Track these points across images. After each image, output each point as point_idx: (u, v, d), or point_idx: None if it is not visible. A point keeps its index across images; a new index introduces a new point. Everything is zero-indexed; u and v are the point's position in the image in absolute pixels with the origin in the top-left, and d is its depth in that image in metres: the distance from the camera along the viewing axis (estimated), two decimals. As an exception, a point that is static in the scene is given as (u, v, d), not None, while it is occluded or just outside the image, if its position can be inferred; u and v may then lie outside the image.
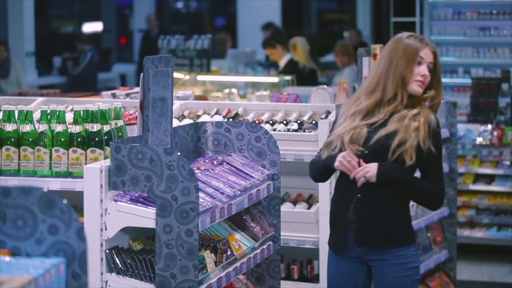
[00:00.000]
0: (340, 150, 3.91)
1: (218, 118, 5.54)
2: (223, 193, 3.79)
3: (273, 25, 14.14)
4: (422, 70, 3.91)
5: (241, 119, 5.49)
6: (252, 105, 5.93)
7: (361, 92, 3.99)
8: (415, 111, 3.90)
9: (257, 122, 5.42)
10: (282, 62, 10.53)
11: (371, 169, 3.84)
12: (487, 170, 8.19)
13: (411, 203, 5.57)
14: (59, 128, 4.11)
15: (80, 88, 11.32)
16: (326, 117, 5.42)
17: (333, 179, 5.21)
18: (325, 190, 5.16)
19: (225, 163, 4.17)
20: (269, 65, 12.67)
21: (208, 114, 5.64)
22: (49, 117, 4.15)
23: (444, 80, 10.30)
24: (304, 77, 10.19)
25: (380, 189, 3.88)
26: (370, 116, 3.93)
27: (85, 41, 13.46)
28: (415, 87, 3.92)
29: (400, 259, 3.93)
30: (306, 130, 5.30)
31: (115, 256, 3.66)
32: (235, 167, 4.16)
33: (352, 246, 3.95)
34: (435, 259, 6.00)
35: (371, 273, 4.01)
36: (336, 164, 3.90)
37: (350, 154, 3.88)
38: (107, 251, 3.66)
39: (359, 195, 3.90)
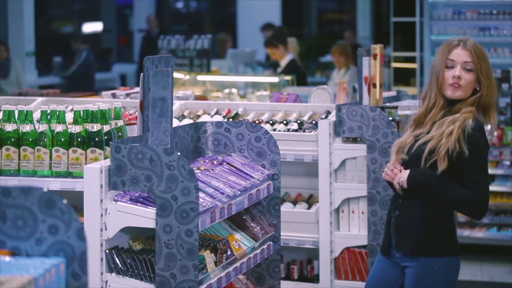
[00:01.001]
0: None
1: (218, 118, 5.54)
2: (223, 193, 3.79)
3: (272, 25, 14.14)
4: (453, 72, 3.85)
5: (241, 119, 5.49)
6: (252, 105, 5.93)
7: (420, 101, 4.04)
8: (457, 115, 3.83)
9: (257, 122, 5.42)
10: (284, 62, 10.53)
11: (403, 174, 3.84)
12: (487, 170, 8.18)
13: None
14: (59, 128, 4.11)
15: (75, 87, 11.32)
16: (326, 117, 5.42)
17: (340, 179, 5.21)
18: (325, 190, 5.16)
19: (225, 163, 4.17)
20: (269, 65, 12.67)
21: (208, 114, 5.64)
22: (49, 117, 4.15)
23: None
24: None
25: (418, 196, 3.84)
26: (419, 126, 3.94)
27: (81, 41, 13.45)
28: (448, 92, 3.87)
29: (423, 269, 3.84)
30: (306, 130, 5.30)
31: (115, 256, 3.66)
32: (235, 167, 4.16)
33: (393, 250, 3.94)
34: (435, 259, 5.99)
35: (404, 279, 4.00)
36: (383, 174, 3.98)
37: (395, 163, 3.91)
38: (107, 251, 3.66)
39: (400, 201, 3.90)
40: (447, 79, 3.86)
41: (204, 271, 3.67)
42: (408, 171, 3.84)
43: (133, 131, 4.27)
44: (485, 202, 3.79)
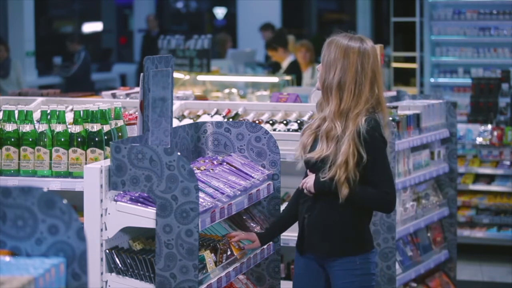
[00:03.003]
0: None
1: (218, 118, 5.53)
2: (223, 193, 3.79)
3: (271, 25, 14.14)
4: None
5: (241, 119, 5.49)
6: (252, 105, 5.93)
7: None
8: (338, 128, 3.81)
9: (257, 122, 5.41)
10: (285, 64, 10.53)
11: (310, 180, 3.88)
12: (487, 170, 8.19)
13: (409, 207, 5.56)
14: (59, 128, 4.11)
15: (75, 87, 11.32)
16: (326, 117, 5.41)
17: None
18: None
19: (225, 163, 4.17)
20: (269, 66, 12.67)
21: (208, 114, 5.64)
22: (49, 117, 4.15)
23: (444, 80, 10.37)
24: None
25: (328, 198, 3.85)
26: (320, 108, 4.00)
27: (77, 42, 13.45)
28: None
29: (347, 266, 3.88)
30: (306, 130, 5.30)
31: (115, 256, 3.66)
32: (235, 167, 4.16)
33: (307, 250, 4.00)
34: (435, 259, 6.00)
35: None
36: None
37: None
38: (107, 251, 3.66)
39: (310, 203, 3.93)
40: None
41: (204, 271, 3.67)
42: (313, 177, 3.87)
43: (133, 131, 4.27)
44: (394, 197, 3.88)
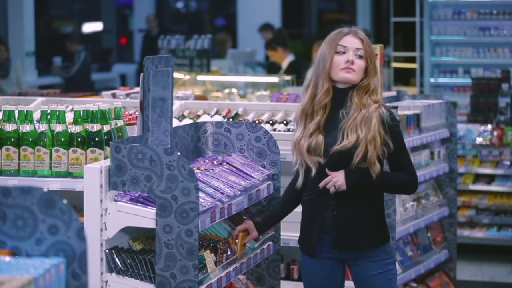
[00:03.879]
0: (301, 162, 3.89)
1: (218, 118, 5.53)
2: (223, 193, 3.79)
3: (270, 26, 14.15)
4: (345, 57, 3.85)
5: (241, 119, 5.49)
6: (252, 105, 5.93)
7: (301, 96, 4.02)
8: (363, 112, 3.82)
9: (257, 122, 5.42)
10: (285, 64, 10.54)
11: (339, 178, 3.82)
12: (487, 170, 8.19)
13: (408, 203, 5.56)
14: (59, 128, 4.11)
15: (75, 88, 11.32)
16: (326, 117, 5.41)
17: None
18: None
19: (225, 163, 4.17)
20: (268, 66, 12.68)
21: (208, 114, 5.64)
22: (49, 117, 4.15)
23: (444, 80, 10.37)
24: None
25: (354, 193, 3.84)
26: (311, 116, 3.89)
27: (77, 42, 13.46)
28: (343, 74, 3.85)
29: (378, 256, 3.92)
30: (306, 130, 5.30)
31: (115, 256, 3.66)
32: (235, 167, 4.16)
33: (327, 248, 3.92)
34: (435, 259, 6.00)
35: (345, 270, 4.02)
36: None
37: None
38: (107, 251, 3.66)
39: (333, 202, 3.87)
40: (339, 64, 3.85)
41: (204, 271, 3.67)
42: (342, 175, 3.82)
43: (133, 131, 4.27)
44: (417, 180, 3.99)
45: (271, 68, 10.83)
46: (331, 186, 3.82)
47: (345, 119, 3.85)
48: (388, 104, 5.62)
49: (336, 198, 3.86)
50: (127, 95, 5.97)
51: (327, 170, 3.84)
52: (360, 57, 3.87)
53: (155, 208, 3.54)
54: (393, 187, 4.04)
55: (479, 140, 8.14)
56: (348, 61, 3.84)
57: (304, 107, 3.91)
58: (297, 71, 10.40)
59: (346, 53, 3.86)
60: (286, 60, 10.54)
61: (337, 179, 3.81)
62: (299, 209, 5.38)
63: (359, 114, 3.82)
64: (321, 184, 3.83)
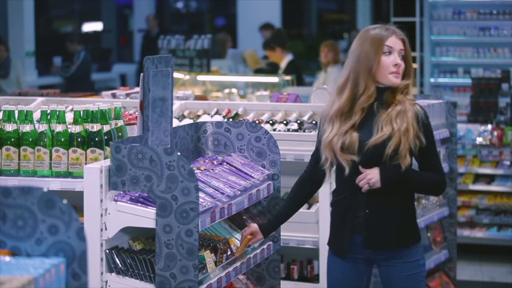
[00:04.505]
0: (331, 161, 3.86)
1: (218, 118, 5.53)
2: (223, 193, 3.79)
3: (270, 26, 14.15)
4: (393, 60, 3.81)
5: (241, 119, 5.49)
6: (252, 105, 5.93)
7: (333, 94, 3.92)
8: (398, 108, 3.81)
9: (257, 122, 5.42)
10: (283, 63, 10.55)
11: (373, 175, 3.78)
12: (487, 170, 8.19)
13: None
14: (59, 128, 4.11)
15: (75, 88, 11.32)
16: (326, 117, 5.41)
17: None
18: (325, 190, 5.15)
19: (225, 163, 4.17)
20: (266, 66, 12.68)
21: (208, 114, 5.64)
22: (49, 117, 4.15)
23: (444, 80, 10.36)
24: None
25: (386, 191, 3.82)
26: (347, 116, 3.85)
27: (77, 42, 13.46)
28: (392, 79, 3.81)
29: (411, 257, 3.90)
30: (306, 130, 5.30)
31: (115, 256, 3.66)
32: (235, 167, 4.16)
33: (359, 248, 3.89)
34: (435, 259, 6.00)
35: (371, 271, 4.01)
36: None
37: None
38: (107, 251, 3.66)
39: (365, 200, 3.84)
40: (387, 67, 3.81)
41: (204, 271, 3.67)
42: (377, 171, 3.79)
43: (133, 131, 4.27)
44: (446, 180, 4.00)
45: (270, 68, 10.82)
46: (364, 184, 3.79)
47: (379, 114, 3.83)
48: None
49: (368, 196, 3.83)
50: (127, 95, 5.97)
51: (360, 167, 3.80)
52: (402, 58, 3.85)
53: (155, 208, 3.54)
54: (424, 186, 4.00)
55: (479, 140, 8.14)
56: (396, 65, 3.81)
57: (342, 107, 3.84)
58: (297, 70, 10.41)
59: (392, 54, 3.82)
60: (285, 60, 10.55)
61: (371, 176, 3.78)
62: (301, 209, 5.38)
63: (394, 109, 3.82)
64: (357, 180, 3.80)
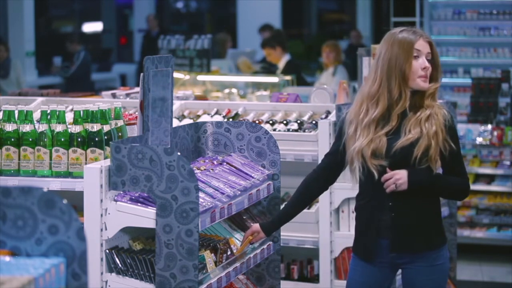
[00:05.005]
0: (360, 167, 3.80)
1: (218, 118, 5.54)
2: (223, 193, 3.79)
3: (270, 27, 14.16)
4: (422, 63, 3.78)
5: (241, 119, 5.49)
6: (252, 105, 5.93)
7: (364, 99, 3.84)
8: (428, 112, 3.79)
9: (257, 122, 5.42)
10: (281, 64, 10.56)
11: (401, 176, 3.74)
12: (487, 170, 8.19)
13: None
14: (59, 128, 4.11)
15: (75, 88, 11.33)
16: (326, 117, 5.42)
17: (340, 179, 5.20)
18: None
19: (225, 163, 4.17)
20: (264, 67, 12.67)
21: (208, 114, 5.64)
22: (49, 117, 4.15)
23: (444, 80, 10.34)
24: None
25: (411, 194, 3.78)
26: (383, 122, 3.81)
27: (76, 42, 13.47)
28: (420, 83, 3.79)
29: (436, 260, 3.88)
30: (306, 130, 5.30)
31: (115, 256, 3.66)
32: (235, 167, 4.16)
33: (384, 252, 3.85)
34: (435, 259, 5.99)
35: (395, 275, 3.99)
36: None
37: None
38: (107, 251, 3.66)
39: (390, 203, 3.80)
40: (416, 70, 3.78)
41: (204, 271, 3.67)
42: (404, 173, 3.74)
43: (133, 131, 4.27)
44: (469, 186, 3.99)
45: (267, 68, 10.83)
46: (391, 184, 3.74)
47: (408, 117, 3.80)
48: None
49: (393, 199, 3.79)
50: (127, 95, 5.97)
51: (387, 169, 3.77)
52: (429, 61, 3.82)
53: (155, 208, 3.54)
54: (450, 191, 3.97)
55: (479, 140, 8.14)
56: (425, 68, 3.78)
57: (380, 115, 3.80)
58: (295, 70, 10.42)
59: (420, 57, 3.79)
60: (283, 60, 10.57)
61: (399, 177, 3.73)
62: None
63: (424, 113, 3.80)
64: (382, 179, 3.76)
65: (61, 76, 13.40)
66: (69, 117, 4.61)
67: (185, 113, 5.73)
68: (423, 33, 3.85)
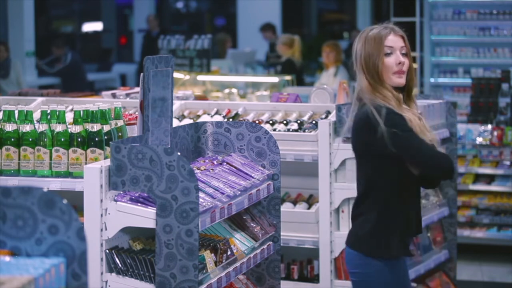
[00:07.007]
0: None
1: (218, 118, 5.54)
2: (223, 193, 3.79)
3: (271, 26, 14.17)
4: (396, 59, 3.73)
5: (241, 119, 5.49)
6: (252, 105, 5.93)
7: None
8: (417, 111, 3.83)
9: (257, 122, 5.42)
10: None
11: None
12: (487, 170, 8.19)
13: None
14: (59, 128, 4.11)
15: (69, 88, 11.35)
16: (326, 117, 5.42)
17: (340, 179, 5.20)
18: (325, 190, 5.16)
19: (225, 163, 4.17)
20: (269, 65, 12.68)
21: (208, 114, 5.64)
22: (49, 117, 4.15)
23: (444, 80, 10.36)
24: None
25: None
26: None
27: (62, 46, 13.55)
28: (396, 80, 3.73)
29: None
30: (306, 130, 5.30)
31: (115, 256, 3.66)
32: (235, 167, 4.16)
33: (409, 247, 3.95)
34: (435, 259, 5.99)
35: None
36: None
37: None
38: (107, 251, 3.66)
39: (419, 201, 3.90)
40: (391, 67, 3.72)
41: (204, 271, 3.67)
42: None
43: (133, 131, 4.27)
44: None
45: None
46: None
47: None
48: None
49: (419, 197, 3.90)
50: (127, 95, 5.97)
51: None
52: (404, 55, 3.77)
53: (155, 208, 3.54)
54: None
55: (479, 140, 8.14)
56: (400, 63, 3.73)
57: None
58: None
59: (393, 53, 3.73)
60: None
61: None
62: (298, 209, 5.38)
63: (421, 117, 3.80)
64: None
65: (46, 71, 13.48)
66: (69, 117, 4.61)
67: (185, 113, 5.73)
68: (393, 27, 3.79)
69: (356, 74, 3.84)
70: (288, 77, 10.01)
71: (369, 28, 3.84)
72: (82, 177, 3.72)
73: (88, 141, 4.07)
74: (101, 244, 3.64)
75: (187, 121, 5.47)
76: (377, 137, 3.65)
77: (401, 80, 3.75)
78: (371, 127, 3.66)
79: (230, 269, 3.87)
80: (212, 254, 3.79)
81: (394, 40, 3.76)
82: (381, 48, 3.73)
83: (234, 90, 9.30)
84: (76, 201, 3.63)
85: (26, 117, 4.18)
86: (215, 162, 4.16)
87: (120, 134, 4.18)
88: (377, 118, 3.64)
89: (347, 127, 3.95)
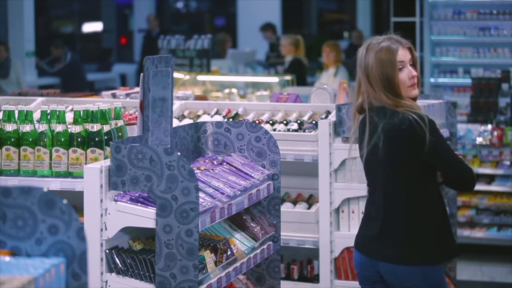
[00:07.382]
0: None
1: (218, 118, 5.54)
2: (223, 193, 3.79)
3: (271, 26, 14.17)
4: (408, 73, 3.81)
5: (241, 119, 5.49)
6: (252, 105, 5.93)
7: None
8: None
9: (257, 122, 5.42)
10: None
11: None
12: (487, 170, 8.19)
13: None
14: (59, 128, 4.11)
15: (68, 88, 11.36)
16: (326, 117, 5.42)
17: (340, 179, 5.20)
18: (325, 190, 5.16)
19: (225, 163, 4.17)
20: (269, 65, 12.68)
21: (208, 114, 5.64)
22: (49, 117, 4.15)
23: (444, 80, 10.37)
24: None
25: None
26: None
27: (61, 46, 13.56)
28: (411, 92, 3.83)
29: None
30: (306, 130, 5.30)
31: (115, 256, 3.66)
32: (235, 167, 4.16)
33: None
34: (435, 259, 5.99)
35: None
36: None
37: None
38: (107, 251, 3.66)
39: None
40: (404, 82, 3.80)
41: (204, 271, 3.67)
42: None
43: (133, 131, 4.27)
44: None
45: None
46: None
47: None
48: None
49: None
50: (127, 95, 5.97)
51: None
52: (412, 65, 3.85)
53: (155, 208, 3.54)
54: None
55: (479, 140, 8.14)
56: (413, 77, 3.82)
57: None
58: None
59: (405, 67, 3.80)
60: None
61: None
62: (298, 208, 5.38)
63: None
64: None
65: (45, 70, 13.49)
66: (69, 117, 4.61)
67: (185, 113, 5.73)
68: (400, 40, 3.86)
69: (363, 83, 3.88)
70: (288, 77, 10.01)
71: (375, 41, 3.87)
72: (82, 177, 3.72)
73: (88, 141, 4.07)
74: (101, 244, 3.64)
75: (187, 121, 5.47)
76: (424, 144, 3.71)
77: (415, 92, 3.87)
78: (418, 135, 3.73)
79: (230, 269, 3.87)
80: (212, 254, 3.79)
81: (404, 54, 3.83)
82: (395, 66, 3.79)
83: (234, 90, 9.30)
84: (76, 201, 3.63)
85: (26, 117, 4.18)
86: (215, 162, 4.16)
87: (120, 134, 4.18)
88: (423, 126, 3.71)
89: (369, 134, 3.88)
